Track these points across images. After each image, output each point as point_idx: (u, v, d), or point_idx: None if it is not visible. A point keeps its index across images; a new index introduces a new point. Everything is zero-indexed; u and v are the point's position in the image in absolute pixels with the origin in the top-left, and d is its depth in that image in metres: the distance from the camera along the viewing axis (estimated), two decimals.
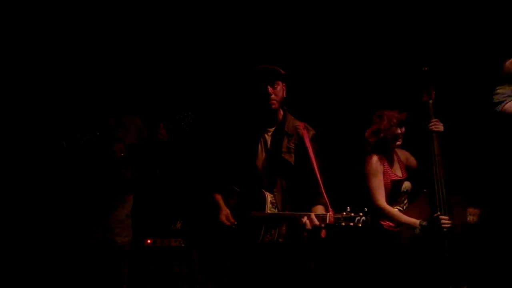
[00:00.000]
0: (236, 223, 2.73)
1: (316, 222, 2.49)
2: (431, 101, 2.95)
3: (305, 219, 2.51)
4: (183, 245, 3.94)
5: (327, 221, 2.48)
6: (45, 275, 3.44)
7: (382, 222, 3.02)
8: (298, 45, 4.22)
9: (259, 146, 2.80)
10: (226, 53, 4.28)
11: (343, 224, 2.43)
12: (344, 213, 2.44)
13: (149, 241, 3.69)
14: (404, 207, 3.08)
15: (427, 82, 2.98)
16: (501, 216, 2.82)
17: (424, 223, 2.81)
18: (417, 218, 2.87)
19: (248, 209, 2.72)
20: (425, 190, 2.93)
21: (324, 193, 2.57)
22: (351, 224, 2.41)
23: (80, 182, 3.03)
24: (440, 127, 2.92)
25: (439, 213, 2.76)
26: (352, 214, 2.42)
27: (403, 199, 3.10)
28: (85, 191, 3.01)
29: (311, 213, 2.53)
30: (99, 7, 4.07)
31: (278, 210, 2.70)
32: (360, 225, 2.40)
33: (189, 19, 4.27)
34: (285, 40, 4.21)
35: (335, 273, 3.84)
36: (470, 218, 2.89)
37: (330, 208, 2.50)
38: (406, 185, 3.10)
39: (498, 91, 2.74)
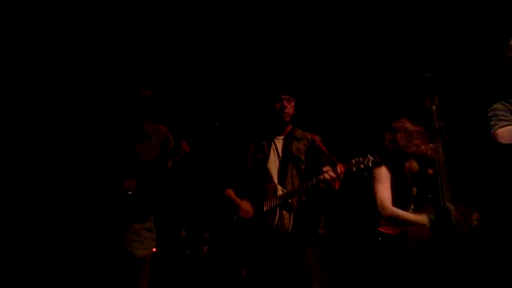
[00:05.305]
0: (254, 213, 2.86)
1: (332, 173, 2.58)
2: (434, 107, 2.94)
3: (320, 176, 2.60)
4: (188, 253, 3.95)
5: (339, 171, 2.60)
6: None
7: (380, 229, 2.99)
8: (304, 51, 4.28)
9: (270, 150, 2.98)
10: (239, 65, 4.40)
11: (355, 169, 2.55)
12: (353, 161, 2.57)
13: (154, 249, 3.71)
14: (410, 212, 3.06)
15: (430, 88, 2.97)
16: (502, 219, 2.81)
17: (433, 217, 2.75)
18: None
19: (260, 204, 2.85)
20: (430, 195, 2.92)
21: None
22: (362, 166, 2.52)
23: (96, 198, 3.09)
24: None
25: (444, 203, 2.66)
26: (360, 159, 2.55)
27: (410, 204, 3.08)
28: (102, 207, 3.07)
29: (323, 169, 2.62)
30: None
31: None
32: (370, 165, 2.51)
33: (210, 32, 4.41)
34: (289, 45, 4.28)
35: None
36: (476, 224, 2.88)
37: (338, 163, 2.64)
38: (413, 190, 3.08)
39: (491, 112, 2.79)
